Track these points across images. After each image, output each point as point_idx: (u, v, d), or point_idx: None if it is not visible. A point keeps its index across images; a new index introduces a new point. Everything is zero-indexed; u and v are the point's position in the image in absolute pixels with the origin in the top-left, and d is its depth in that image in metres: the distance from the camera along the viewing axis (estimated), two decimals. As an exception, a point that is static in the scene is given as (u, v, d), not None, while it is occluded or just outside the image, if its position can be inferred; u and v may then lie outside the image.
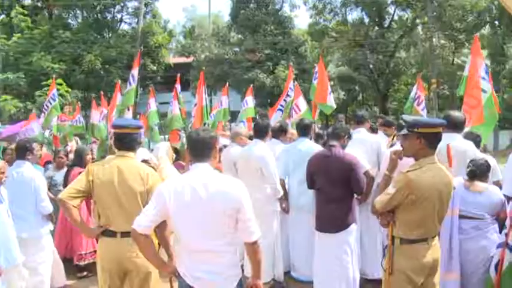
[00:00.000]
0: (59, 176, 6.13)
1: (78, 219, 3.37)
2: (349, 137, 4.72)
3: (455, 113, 4.39)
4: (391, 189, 3.05)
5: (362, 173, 4.43)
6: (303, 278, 5.17)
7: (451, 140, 3.96)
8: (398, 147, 4.08)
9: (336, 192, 4.31)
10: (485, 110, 4.95)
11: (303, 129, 5.31)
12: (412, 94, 9.15)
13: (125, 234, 3.17)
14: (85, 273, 5.60)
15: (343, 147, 4.57)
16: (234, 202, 2.54)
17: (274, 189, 4.91)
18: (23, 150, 4.76)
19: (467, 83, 5.55)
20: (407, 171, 3.02)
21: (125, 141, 3.42)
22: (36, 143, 4.93)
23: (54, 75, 9.08)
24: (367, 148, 5.09)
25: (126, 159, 3.38)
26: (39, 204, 4.65)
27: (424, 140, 3.04)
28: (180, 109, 9.34)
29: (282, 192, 5.00)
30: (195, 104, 9.62)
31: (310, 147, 5.09)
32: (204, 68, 24.33)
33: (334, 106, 8.58)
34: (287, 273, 5.33)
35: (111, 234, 3.29)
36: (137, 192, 3.26)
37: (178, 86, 9.76)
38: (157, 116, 9.65)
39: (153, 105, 9.64)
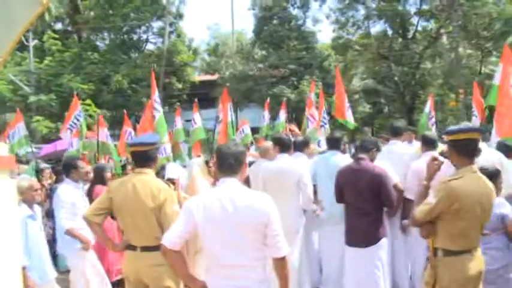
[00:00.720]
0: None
1: (103, 235, 3.56)
2: (378, 149, 4.68)
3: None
4: (432, 199, 2.98)
5: (392, 185, 4.39)
6: None
7: None
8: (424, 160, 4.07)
9: (366, 205, 4.27)
10: None
11: (334, 142, 5.32)
12: (427, 110, 9.01)
13: (144, 248, 3.35)
14: None
15: (372, 159, 4.54)
16: (262, 217, 2.55)
17: (308, 198, 4.85)
18: (67, 168, 4.93)
19: (499, 92, 5.44)
20: (449, 180, 2.96)
21: (141, 158, 3.55)
22: (80, 161, 5.12)
23: (75, 93, 9.13)
24: (399, 160, 5.03)
25: (142, 176, 3.50)
26: (57, 222, 4.76)
27: (453, 148, 3.03)
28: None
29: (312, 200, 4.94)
30: (220, 121, 9.69)
31: (341, 160, 5.10)
32: (228, 84, 24.63)
33: (353, 122, 8.57)
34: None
35: (132, 248, 3.43)
36: (149, 208, 3.37)
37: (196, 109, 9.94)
38: (183, 134, 9.77)
39: (179, 123, 9.76)
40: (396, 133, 5.36)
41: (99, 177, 5.89)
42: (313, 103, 9.38)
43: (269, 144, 5.40)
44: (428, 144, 4.80)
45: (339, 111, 8.62)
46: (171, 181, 4.56)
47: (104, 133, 8.46)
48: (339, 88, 8.68)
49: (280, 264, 2.63)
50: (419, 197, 3.18)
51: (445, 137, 3.11)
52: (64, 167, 5.03)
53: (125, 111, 12.51)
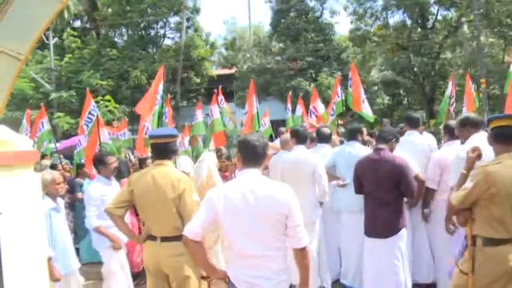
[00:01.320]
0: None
1: (125, 228, 3.63)
2: (397, 140, 4.64)
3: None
4: (468, 184, 2.97)
5: (412, 175, 4.35)
6: (355, 285, 5.11)
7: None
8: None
9: (386, 196, 4.25)
10: None
11: (352, 133, 5.38)
12: (448, 93, 8.79)
13: (164, 239, 3.41)
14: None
15: (391, 150, 4.52)
16: (283, 207, 2.56)
17: (323, 190, 4.87)
18: (96, 164, 4.96)
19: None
20: (486, 165, 2.96)
21: (161, 150, 3.59)
22: (110, 156, 5.04)
23: (88, 89, 9.18)
24: (417, 150, 5.00)
25: (162, 168, 3.55)
26: (86, 220, 4.83)
27: (491, 136, 3.08)
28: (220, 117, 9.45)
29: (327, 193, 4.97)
30: (246, 113, 9.66)
31: (360, 150, 5.13)
32: (247, 78, 24.62)
33: (371, 114, 8.50)
34: (337, 281, 5.29)
35: (153, 238, 3.49)
36: (169, 198, 3.42)
37: (220, 97, 9.86)
38: (203, 128, 9.79)
39: (199, 116, 9.79)
40: (414, 124, 5.32)
41: (125, 171, 6.05)
42: (317, 96, 9.39)
43: (288, 136, 5.43)
44: (451, 133, 4.75)
45: (356, 103, 8.61)
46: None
47: (104, 134, 8.38)
48: (356, 80, 8.67)
49: (301, 254, 2.64)
50: (458, 185, 3.17)
51: (487, 125, 3.17)
52: (94, 164, 5.05)
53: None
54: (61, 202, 4.72)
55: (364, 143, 5.94)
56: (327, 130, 5.92)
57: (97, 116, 8.11)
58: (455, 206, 3.05)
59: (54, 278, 4.19)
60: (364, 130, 6.10)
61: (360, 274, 4.85)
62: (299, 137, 5.13)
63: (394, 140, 4.55)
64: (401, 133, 5.35)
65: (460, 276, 3.09)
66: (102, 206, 4.64)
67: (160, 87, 7.91)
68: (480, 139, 3.73)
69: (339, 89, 9.25)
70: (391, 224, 4.26)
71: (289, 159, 5.07)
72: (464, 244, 3.18)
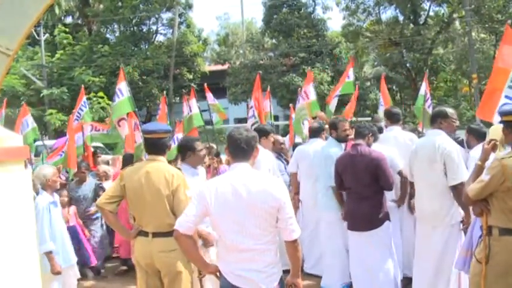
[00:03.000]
0: (81, 191, 6.28)
1: (116, 223, 3.60)
2: (374, 135, 4.69)
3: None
4: (485, 177, 3.02)
5: (389, 168, 4.42)
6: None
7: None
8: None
9: (365, 190, 4.35)
10: None
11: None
12: (422, 92, 8.70)
13: (156, 234, 3.40)
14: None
15: (368, 145, 4.58)
16: (275, 201, 2.58)
17: None
18: (184, 150, 4.29)
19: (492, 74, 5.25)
20: (502, 158, 3.01)
21: (154, 145, 3.57)
22: (199, 142, 4.44)
23: (83, 85, 9.01)
24: (400, 145, 5.06)
25: (155, 163, 3.53)
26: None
27: (508, 128, 3.12)
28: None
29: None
30: (251, 107, 9.55)
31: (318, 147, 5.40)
32: (239, 74, 24.58)
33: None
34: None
35: (144, 234, 3.48)
36: (163, 194, 3.40)
37: (208, 94, 9.76)
38: (201, 119, 9.65)
39: (195, 108, 9.60)
40: (394, 119, 5.38)
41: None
42: (311, 80, 9.22)
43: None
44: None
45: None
46: None
47: (78, 137, 8.21)
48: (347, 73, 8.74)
49: (293, 246, 2.66)
50: (473, 177, 3.24)
51: (502, 118, 3.21)
52: (181, 150, 4.41)
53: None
54: (57, 197, 4.75)
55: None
56: (316, 124, 5.99)
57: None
58: (472, 198, 3.12)
59: (55, 271, 4.31)
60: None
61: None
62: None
63: (371, 134, 4.62)
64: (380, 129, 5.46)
65: (476, 265, 3.15)
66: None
67: (122, 85, 7.66)
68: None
69: (351, 71, 9.07)
70: (372, 218, 4.35)
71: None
72: (479, 234, 3.24)
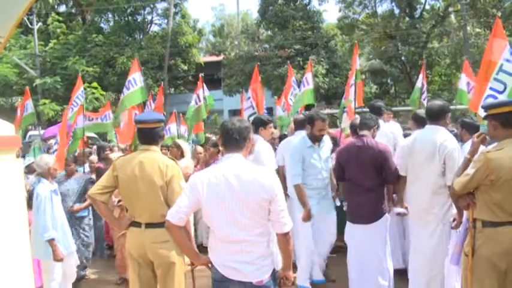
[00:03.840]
0: (69, 185, 5.71)
1: (108, 214, 3.58)
2: (379, 127, 4.67)
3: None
4: (470, 170, 3.05)
5: (394, 162, 4.40)
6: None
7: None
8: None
9: (369, 182, 4.30)
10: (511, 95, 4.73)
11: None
12: (419, 84, 8.66)
13: (149, 225, 3.37)
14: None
15: (373, 137, 4.55)
16: (267, 192, 2.56)
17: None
18: (256, 126, 4.91)
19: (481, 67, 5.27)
20: (488, 151, 3.03)
21: (147, 135, 3.54)
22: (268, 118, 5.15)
23: (79, 74, 8.91)
24: (387, 139, 5.07)
25: (149, 153, 3.50)
26: None
27: (495, 122, 3.10)
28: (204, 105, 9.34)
29: None
30: (248, 98, 9.53)
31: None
32: (234, 65, 24.48)
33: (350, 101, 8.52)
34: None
35: (137, 225, 3.45)
36: (157, 185, 3.37)
37: (202, 85, 9.74)
38: (205, 112, 9.65)
39: (195, 100, 9.65)
40: (377, 112, 5.41)
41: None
42: (311, 69, 9.16)
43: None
44: (419, 122, 4.79)
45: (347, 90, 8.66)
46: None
47: (79, 120, 8.15)
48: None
49: (284, 239, 2.65)
50: (461, 170, 3.26)
51: (488, 111, 3.17)
52: (255, 124, 4.94)
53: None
54: (55, 186, 4.76)
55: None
56: (301, 116, 5.84)
57: (79, 105, 8.00)
58: (458, 192, 3.14)
59: (57, 259, 4.41)
60: None
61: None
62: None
63: (376, 126, 4.57)
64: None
65: (465, 259, 3.17)
66: None
67: (137, 75, 7.63)
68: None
69: (357, 58, 8.93)
70: (374, 210, 4.31)
71: None
72: (466, 227, 3.28)
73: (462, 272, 3.25)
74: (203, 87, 9.47)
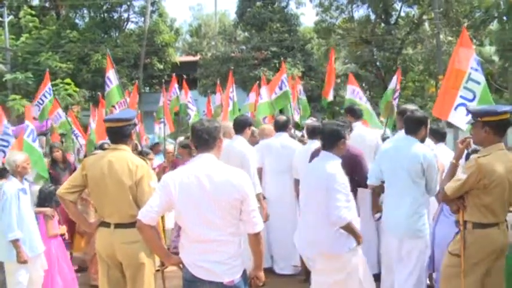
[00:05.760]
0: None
1: (77, 213, 3.51)
2: (351, 129, 4.72)
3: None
4: (462, 175, 3.15)
5: (367, 165, 4.44)
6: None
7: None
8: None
9: None
10: (480, 102, 4.85)
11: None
12: (392, 85, 8.76)
13: (118, 225, 3.32)
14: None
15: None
16: (238, 192, 2.57)
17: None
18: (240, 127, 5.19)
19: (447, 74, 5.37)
20: (478, 157, 3.14)
21: (116, 134, 3.49)
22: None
23: (47, 70, 8.67)
24: (365, 144, 5.11)
25: (118, 152, 3.44)
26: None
27: (488, 129, 3.18)
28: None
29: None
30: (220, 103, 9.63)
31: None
32: (210, 65, 24.38)
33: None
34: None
35: (106, 225, 3.39)
36: (126, 184, 3.32)
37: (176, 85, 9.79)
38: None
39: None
40: (356, 115, 5.49)
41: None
42: (284, 71, 9.33)
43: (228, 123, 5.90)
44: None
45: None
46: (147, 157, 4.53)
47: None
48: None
49: (255, 239, 2.66)
50: (448, 174, 3.38)
51: (482, 118, 3.21)
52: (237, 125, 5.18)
53: (99, 93, 12.23)
54: (26, 184, 4.59)
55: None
56: (282, 117, 5.96)
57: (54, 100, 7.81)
58: (450, 196, 3.25)
59: (21, 260, 4.18)
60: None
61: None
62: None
63: (349, 129, 4.59)
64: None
65: (449, 257, 3.33)
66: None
67: (111, 74, 7.52)
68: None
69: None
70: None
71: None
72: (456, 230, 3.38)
73: (444, 270, 3.38)
74: (183, 88, 9.52)
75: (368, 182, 4.29)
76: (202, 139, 2.68)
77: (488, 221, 3.16)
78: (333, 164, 3.52)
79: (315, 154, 4.37)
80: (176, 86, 9.88)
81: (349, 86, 8.43)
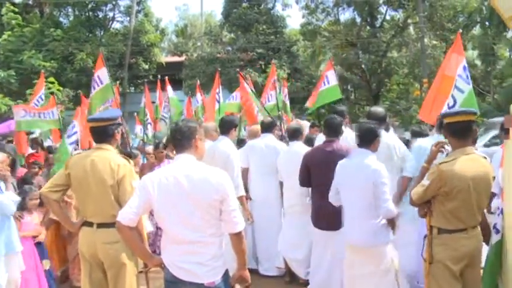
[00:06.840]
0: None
1: (60, 213, 3.48)
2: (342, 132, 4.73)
3: (377, 108, 4.80)
4: (425, 181, 3.13)
5: None
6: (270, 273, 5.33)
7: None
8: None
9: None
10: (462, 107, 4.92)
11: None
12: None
13: (101, 225, 3.30)
14: None
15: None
16: (218, 192, 2.56)
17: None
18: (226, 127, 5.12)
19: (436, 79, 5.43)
20: (441, 163, 3.11)
21: (100, 134, 3.47)
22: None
23: (42, 71, 8.56)
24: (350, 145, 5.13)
25: (101, 152, 3.42)
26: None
27: (446, 131, 3.18)
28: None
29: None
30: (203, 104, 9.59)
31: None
32: (196, 66, 24.30)
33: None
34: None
35: (89, 224, 3.37)
36: (108, 184, 3.30)
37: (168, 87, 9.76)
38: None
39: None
40: (341, 116, 5.46)
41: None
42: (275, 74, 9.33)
43: (210, 124, 5.90)
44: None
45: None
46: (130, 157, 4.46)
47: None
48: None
49: (237, 239, 2.65)
50: (419, 178, 3.36)
51: (442, 120, 3.25)
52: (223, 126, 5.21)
53: (81, 92, 12.09)
54: (2, 185, 4.49)
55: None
56: (268, 119, 6.01)
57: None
58: (415, 201, 3.24)
59: None
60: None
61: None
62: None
63: (343, 131, 4.62)
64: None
65: (425, 265, 3.27)
66: None
67: (101, 72, 7.44)
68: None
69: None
70: (341, 218, 4.18)
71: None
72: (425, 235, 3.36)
73: (425, 278, 3.30)
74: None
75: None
76: (176, 140, 2.70)
77: (454, 227, 3.10)
78: (374, 160, 3.70)
79: (321, 146, 4.56)
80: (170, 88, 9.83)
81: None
